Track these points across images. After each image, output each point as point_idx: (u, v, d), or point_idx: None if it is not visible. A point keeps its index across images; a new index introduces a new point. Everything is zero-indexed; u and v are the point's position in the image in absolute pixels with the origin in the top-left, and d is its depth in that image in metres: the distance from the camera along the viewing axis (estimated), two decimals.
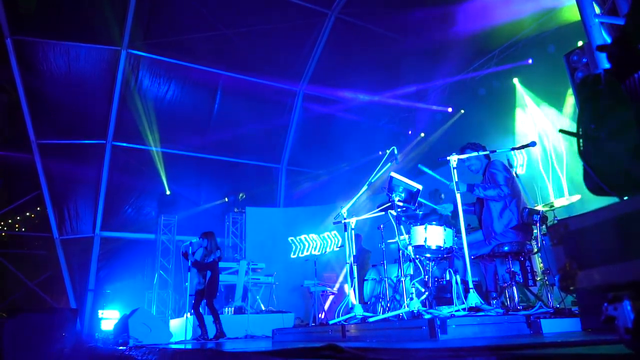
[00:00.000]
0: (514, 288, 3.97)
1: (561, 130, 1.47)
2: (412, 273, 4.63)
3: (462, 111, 9.80)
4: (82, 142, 10.68)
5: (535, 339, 2.34)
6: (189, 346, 4.48)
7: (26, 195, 10.63)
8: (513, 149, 4.14)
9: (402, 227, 4.39)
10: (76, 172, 10.90)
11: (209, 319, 6.29)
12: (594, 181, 1.24)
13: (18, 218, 10.89)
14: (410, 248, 4.25)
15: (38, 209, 10.83)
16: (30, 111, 10.02)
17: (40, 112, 10.08)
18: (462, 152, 4.24)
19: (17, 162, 10.43)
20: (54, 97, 10.02)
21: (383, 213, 4.70)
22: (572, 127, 1.37)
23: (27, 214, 10.96)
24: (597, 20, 3.39)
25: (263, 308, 8.41)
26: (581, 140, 1.27)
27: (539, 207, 4.94)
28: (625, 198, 1.00)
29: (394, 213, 4.34)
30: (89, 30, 9.40)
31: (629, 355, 1.03)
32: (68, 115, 10.24)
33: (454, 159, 3.89)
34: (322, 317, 7.44)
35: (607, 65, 1.27)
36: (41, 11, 8.98)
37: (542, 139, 7.53)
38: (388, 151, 4.68)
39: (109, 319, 9.60)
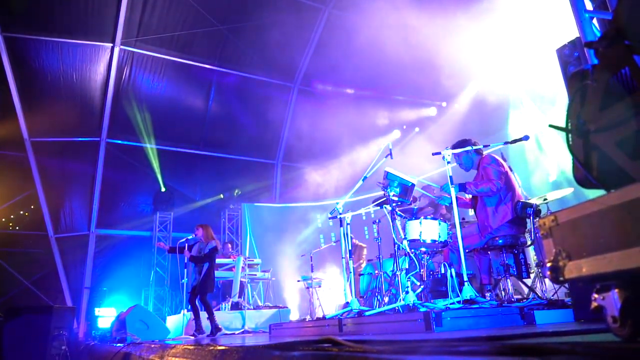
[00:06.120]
0: (508, 280, 4.02)
1: (551, 125, 1.50)
2: (407, 267, 4.68)
3: (457, 105, 9.84)
4: (76, 139, 10.63)
5: (528, 329, 2.39)
6: (186, 342, 4.50)
7: (20, 194, 10.57)
8: (506, 143, 4.16)
9: (397, 221, 4.42)
10: (70, 170, 10.86)
11: (204, 315, 6.30)
12: (583, 174, 1.27)
13: (12, 217, 10.84)
14: (405, 242, 4.29)
15: (32, 207, 10.77)
16: (23, 109, 9.95)
17: (32, 109, 10.02)
18: (453, 149, 4.27)
19: (10, 161, 10.37)
20: (46, 95, 9.96)
21: (378, 208, 4.73)
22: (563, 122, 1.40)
23: (22, 212, 10.91)
24: (587, 15, 3.42)
25: (260, 304, 8.44)
26: (570, 135, 1.30)
27: (533, 200, 4.98)
28: (613, 191, 1.03)
29: (389, 208, 4.37)
30: (82, 26, 9.33)
31: (617, 343, 1.06)
32: (61, 112, 10.18)
33: (447, 153, 3.91)
34: (319, 311, 7.49)
35: (595, 61, 1.30)
36: (33, 8, 8.90)
37: (536, 133, 7.58)
38: (383, 147, 4.70)
39: (105, 316, 9.60)
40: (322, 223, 10.89)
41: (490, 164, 4.16)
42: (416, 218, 4.37)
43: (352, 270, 4.72)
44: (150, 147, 11.08)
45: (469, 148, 4.16)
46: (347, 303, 4.45)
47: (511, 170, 4.35)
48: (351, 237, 7.91)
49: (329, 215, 4.92)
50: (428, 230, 4.27)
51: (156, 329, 6.60)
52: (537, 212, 4.03)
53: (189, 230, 7.35)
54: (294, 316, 8.68)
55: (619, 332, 1.08)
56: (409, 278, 4.43)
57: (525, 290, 4.50)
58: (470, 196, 4.42)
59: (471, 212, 5.13)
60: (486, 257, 4.33)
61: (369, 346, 1.37)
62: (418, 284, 4.71)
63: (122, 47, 9.81)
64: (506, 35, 7.78)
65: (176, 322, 7.67)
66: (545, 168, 7.61)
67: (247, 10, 9.99)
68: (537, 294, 4.10)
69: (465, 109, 9.54)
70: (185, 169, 11.83)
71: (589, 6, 3.72)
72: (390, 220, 4.34)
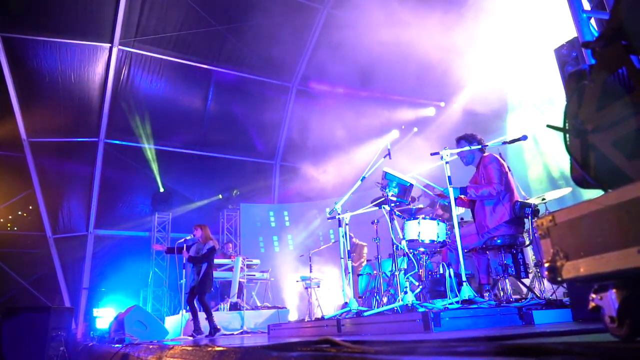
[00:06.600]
0: (507, 280, 4.02)
1: (549, 125, 1.50)
2: (406, 267, 4.67)
3: (455, 105, 9.85)
4: (74, 140, 10.61)
5: (526, 329, 2.39)
6: (184, 343, 4.50)
7: (18, 194, 10.55)
8: (505, 142, 4.14)
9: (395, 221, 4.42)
10: (69, 170, 10.84)
11: (203, 316, 6.30)
12: (581, 174, 1.27)
13: (10, 217, 10.82)
14: (404, 242, 4.28)
15: (30, 207, 10.76)
16: (21, 109, 9.93)
17: (31, 110, 10.00)
18: (457, 143, 4.29)
19: (9, 161, 10.35)
20: (44, 95, 9.94)
21: (377, 208, 4.72)
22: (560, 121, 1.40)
23: (20, 212, 10.89)
24: (585, 15, 3.43)
25: (258, 304, 8.43)
26: (568, 135, 1.30)
27: (531, 200, 4.99)
28: (610, 191, 1.02)
29: (388, 208, 4.36)
30: (80, 27, 9.33)
31: (615, 343, 1.06)
32: (59, 113, 10.17)
33: (446, 153, 3.91)
34: (318, 312, 7.48)
35: (592, 61, 1.30)
36: (31, 8, 8.88)
37: (534, 133, 7.59)
38: (382, 147, 4.70)
39: (104, 317, 9.58)
40: (321, 223, 10.89)
41: (492, 163, 4.15)
42: (415, 218, 4.37)
43: (350, 270, 4.71)
44: (149, 148, 11.07)
45: (467, 148, 4.16)
46: (346, 303, 4.45)
47: (509, 170, 4.35)
48: (351, 235, 7.95)
49: (328, 216, 4.91)
50: (426, 230, 4.28)
51: (155, 330, 6.59)
52: (535, 212, 4.03)
53: (188, 231, 7.35)
54: (293, 316, 8.67)
55: (616, 332, 1.08)
56: (407, 278, 4.42)
57: (524, 290, 4.50)
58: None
59: (463, 211, 5.13)
60: (485, 257, 4.33)
61: (367, 347, 1.37)
62: (417, 284, 4.71)
63: (120, 47, 9.80)
64: (504, 35, 7.80)
65: (175, 322, 7.66)
66: (543, 168, 7.62)
67: (246, 10, 9.99)
68: (535, 293, 4.11)
69: (463, 109, 9.55)
70: (184, 169, 11.82)
71: (587, 6, 3.73)
72: (388, 221, 4.34)
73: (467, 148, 4.18)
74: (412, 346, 1.29)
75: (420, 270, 4.66)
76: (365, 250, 8.03)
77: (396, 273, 4.21)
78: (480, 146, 4.22)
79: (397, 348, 1.30)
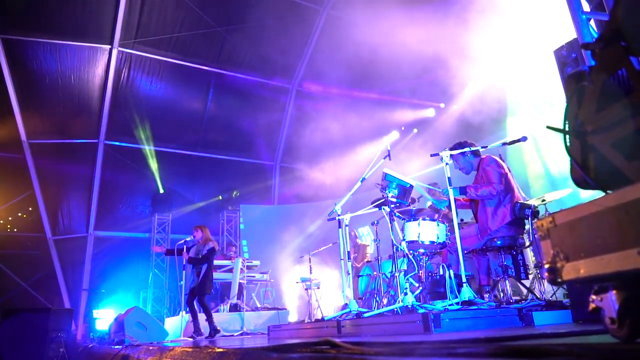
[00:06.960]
0: (507, 282, 4.02)
1: (549, 127, 1.51)
2: (406, 268, 4.67)
3: (455, 107, 9.85)
4: (74, 141, 10.62)
5: (526, 330, 2.39)
6: (184, 344, 4.49)
7: (18, 196, 10.55)
8: (504, 143, 4.14)
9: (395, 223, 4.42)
10: (68, 172, 10.84)
11: (203, 317, 6.29)
12: (580, 175, 1.27)
13: (10, 218, 10.81)
14: (404, 244, 4.28)
15: (30, 209, 10.75)
16: (21, 110, 9.93)
17: (30, 111, 10.00)
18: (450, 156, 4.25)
19: (8, 162, 10.35)
20: (44, 96, 9.95)
21: (377, 209, 4.72)
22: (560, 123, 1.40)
23: (20, 214, 10.88)
24: (584, 16, 3.43)
25: (258, 305, 8.43)
26: (567, 136, 1.30)
27: (531, 201, 4.98)
28: (610, 192, 1.03)
29: (388, 209, 4.36)
30: (80, 28, 9.33)
31: (615, 344, 1.06)
32: (59, 114, 10.18)
33: (445, 154, 3.91)
34: (318, 313, 7.48)
35: (592, 62, 1.30)
36: (30, 9, 8.89)
37: (534, 134, 7.59)
38: (382, 148, 4.70)
39: (104, 318, 9.58)
40: (321, 224, 10.88)
41: (490, 165, 4.15)
42: (415, 219, 4.37)
43: (350, 271, 4.71)
44: (149, 149, 11.07)
45: (467, 149, 4.15)
46: (346, 304, 4.45)
47: (509, 171, 4.34)
48: (355, 235, 7.95)
49: (328, 217, 4.91)
50: (426, 231, 4.27)
51: (154, 331, 6.59)
52: (535, 213, 4.03)
53: (188, 232, 7.34)
54: (293, 318, 8.66)
55: (617, 333, 1.08)
56: (407, 279, 4.42)
57: (524, 291, 4.50)
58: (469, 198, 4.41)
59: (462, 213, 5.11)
60: (485, 258, 4.32)
61: (366, 348, 1.37)
62: (417, 285, 4.71)
63: (120, 48, 9.80)
64: (504, 36, 7.80)
65: (174, 324, 7.65)
66: (543, 169, 7.62)
67: (245, 12, 10.00)
68: (535, 295, 4.11)
69: (463, 110, 9.54)
70: (184, 170, 11.82)
71: (586, 7, 3.74)
72: (388, 222, 4.34)
73: (466, 149, 4.17)
74: (412, 347, 1.28)
75: (420, 272, 4.65)
76: (368, 250, 8.03)
77: (396, 274, 4.21)
78: (475, 148, 4.18)
79: (396, 349, 1.30)
